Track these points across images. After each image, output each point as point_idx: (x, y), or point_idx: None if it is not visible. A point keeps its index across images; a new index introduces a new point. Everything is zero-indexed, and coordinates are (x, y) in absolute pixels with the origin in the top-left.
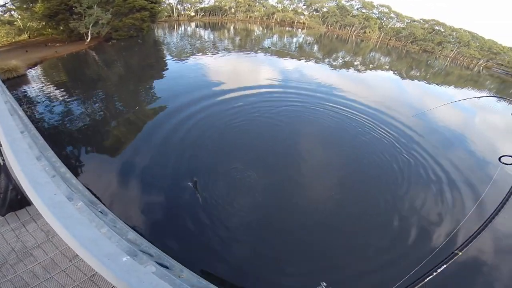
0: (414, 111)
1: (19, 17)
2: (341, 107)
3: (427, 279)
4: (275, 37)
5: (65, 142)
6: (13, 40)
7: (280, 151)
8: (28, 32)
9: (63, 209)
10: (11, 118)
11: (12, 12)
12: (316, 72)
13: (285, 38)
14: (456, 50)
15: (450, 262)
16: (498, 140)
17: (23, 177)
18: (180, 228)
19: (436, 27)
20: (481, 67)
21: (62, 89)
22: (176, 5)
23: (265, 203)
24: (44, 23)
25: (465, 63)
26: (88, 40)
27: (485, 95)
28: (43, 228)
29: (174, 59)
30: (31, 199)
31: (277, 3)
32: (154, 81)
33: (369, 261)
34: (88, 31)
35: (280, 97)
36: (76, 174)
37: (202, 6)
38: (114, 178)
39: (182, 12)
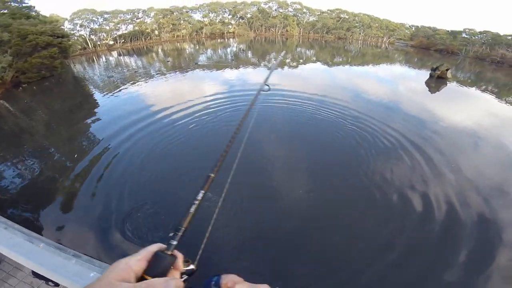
0: (350, 92)
1: None
2: (286, 102)
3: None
4: (209, 51)
5: (6, 207)
6: None
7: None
8: None
9: (23, 247)
10: None
11: None
12: (257, 76)
13: (219, 50)
14: (363, 32)
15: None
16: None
17: None
18: None
19: (341, 15)
20: (387, 44)
21: None
22: (89, 36)
23: (244, 223)
24: None
25: (373, 43)
26: None
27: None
28: (25, 280)
29: (103, 93)
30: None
31: (202, 17)
32: (87, 120)
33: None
34: None
35: (227, 104)
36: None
37: (120, 33)
38: (71, 227)
39: (99, 43)
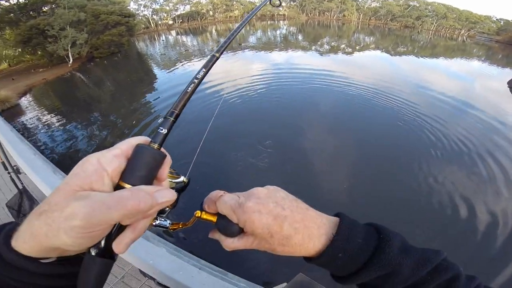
0: (412, 85)
1: None
2: (340, 87)
3: None
4: (259, 32)
5: (71, 166)
6: None
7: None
8: (7, 60)
9: None
10: (22, 144)
11: None
12: (307, 60)
13: (268, 32)
14: (436, 22)
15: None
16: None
17: (49, 190)
18: None
19: (411, 3)
20: (465, 37)
21: (58, 115)
22: (152, 16)
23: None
24: (20, 50)
25: (448, 35)
26: (70, 62)
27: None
28: None
29: (162, 69)
30: None
31: None
32: (147, 94)
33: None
34: (68, 53)
35: (279, 87)
36: None
37: (178, 13)
38: None
39: (160, 22)
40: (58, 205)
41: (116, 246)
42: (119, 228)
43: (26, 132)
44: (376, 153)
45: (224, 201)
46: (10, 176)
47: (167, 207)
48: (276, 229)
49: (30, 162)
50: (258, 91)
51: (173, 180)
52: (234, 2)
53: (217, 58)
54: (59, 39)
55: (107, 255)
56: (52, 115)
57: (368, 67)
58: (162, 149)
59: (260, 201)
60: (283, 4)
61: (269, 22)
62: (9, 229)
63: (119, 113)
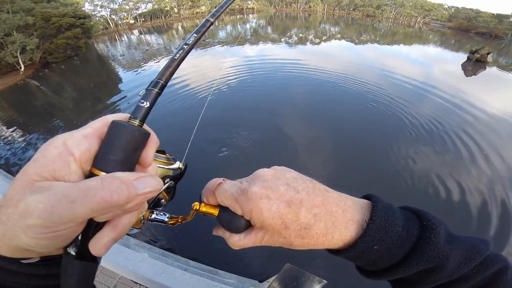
0: (377, 71)
1: None
2: (310, 76)
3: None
4: (229, 27)
5: None
6: None
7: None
8: None
9: None
10: None
11: None
12: (278, 51)
13: (238, 26)
14: (394, 11)
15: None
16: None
17: None
18: None
19: None
20: (421, 24)
21: (16, 127)
22: (110, 16)
23: None
24: None
25: (405, 22)
26: (22, 69)
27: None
28: None
29: (126, 70)
30: None
31: None
32: (112, 96)
33: None
34: (18, 60)
35: (249, 80)
36: None
37: (140, 12)
38: None
39: (120, 22)
40: (13, 199)
41: (93, 247)
42: (96, 226)
43: None
44: (350, 136)
45: (224, 190)
46: None
47: (163, 198)
48: (291, 217)
49: None
50: (231, 84)
51: (168, 167)
52: None
53: (212, 24)
54: (5, 46)
55: (87, 257)
56: (8, 127)
57: (335, 56)
58: (145, 126)
59: (268, 185)
60: None
61: (238, 16)
62: None
63: (83, 118)
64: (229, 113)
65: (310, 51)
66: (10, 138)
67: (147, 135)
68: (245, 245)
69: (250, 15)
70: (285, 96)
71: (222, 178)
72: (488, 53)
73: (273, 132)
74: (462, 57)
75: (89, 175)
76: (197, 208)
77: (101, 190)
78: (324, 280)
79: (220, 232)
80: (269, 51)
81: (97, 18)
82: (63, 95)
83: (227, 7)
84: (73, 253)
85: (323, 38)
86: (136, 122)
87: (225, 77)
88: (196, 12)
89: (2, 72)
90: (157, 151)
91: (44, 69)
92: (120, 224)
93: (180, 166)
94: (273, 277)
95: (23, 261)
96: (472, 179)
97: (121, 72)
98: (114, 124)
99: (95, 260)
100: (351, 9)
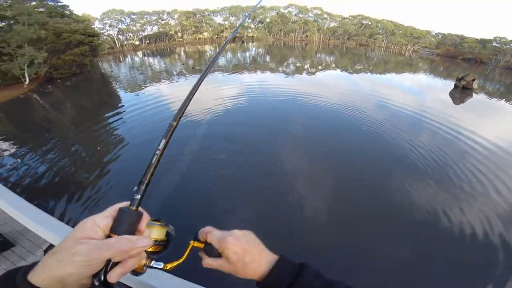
0: (372, 100)
1: None
2: (307, 105)
3: None
4: (229, 54)
5: (29, 197)
6: None
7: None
8: None
9: (62, 229)
10: None
11: None
12: (276, 80)
13: (238, 54)
14: (386, 39)
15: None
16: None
17: (18, 213)
18: None
19: (364, 21)
20: (411, 52)
21: (11, 141)
22: (117, 36)
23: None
24: None
25: (396, 50)
26: (27, 83)
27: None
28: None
29: (127, 91)
30: (31, 229)
31: (223, 20)
32: (111, 118)
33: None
34: (24, 73)
35: (248, 109)
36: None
37: (145, 34)
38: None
39: (125, 42)
40: (66, 248)
41: (109, 277)
42: (113, 264)
43: None
44: (345, 163)
45: (214, 234)
46: None
47: (159, 249)
48: (242, 258)
49: None
50: (229, 111)
51: (163, 230)
52: (204, 24)
53: (175, 126)
54: (15, 58)
55: (106, 283)
56: (4, 140)
57: (330, 84)
58: (140, 209)
59: (237, 238)
60: (252, 26)
61: (238, 44)
62: (28, 268)
63: (79, 136)
64: (223, 142)
65: (307, 80)
66: (2, 151)
67: (141, 215)
68: (213, 266)
69: (250, 43)
70: (281, 122)
71: (211, 227)
72: (473, 80)
73: (266, 160)
74: (450, 84)
75: (108, 236)
76: (193, 243)
77: (116, 244)
78: None
79: (202, 255)
80: (267, 79)
81: (104, 37)
82: (62, 112)
83: (185, 108)
84: (98, 279)
85: (319, 68)
86: (134, 208)
87: (221, 105)
88: (199, 38)
89: (6, 83)
90: (153, 220)
91: (48, 85)
92: (127, 264)
93: (169, 230)
94: None
95: None
96: (467, 208)
97: (121, 93)
98: (120, 210)
99: (111, 286)
100: (346, 38)
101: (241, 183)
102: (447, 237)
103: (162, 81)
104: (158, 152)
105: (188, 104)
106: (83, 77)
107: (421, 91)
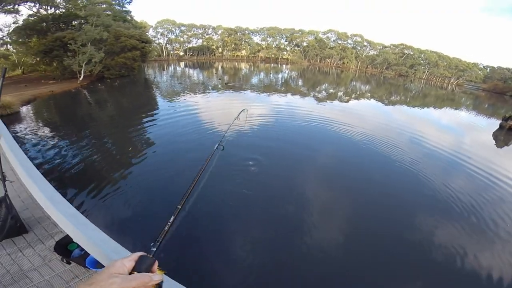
0: (406, 136)
1: (14, 51)
2: (337, 133)
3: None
4: (262, 74)
5: (56, 183)
6: (7, 75)
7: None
8: (22, 67)
9: (77, 218)
10: (21, 151)
11: (8, 46)
12: (306, 105)
13: (271, 75)
14: (427, 71)
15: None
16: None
17: (43, 198)
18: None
19: (406, 51)
20: (454, 85)
21: (54, 130)
22: (166, 45)
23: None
24: (38, 59)
25: (438, 83)
26: (81, 79)
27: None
28: (41, 253)
29: (165, 99)
30: (50, 214)
31: (261, 40)
32: (145, 123)
33: None
34: (81, 69)
35: (274, 130)
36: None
37: (190, 45)
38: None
39: (172, 52)
40: (104, 279)
41: None
42: None
43: (19, 141)
44: (373, 204)
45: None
46: None
47: (159, 285)
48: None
49: (19, 171)
50: (254, 131)
51: (162, 273)
52: (243, 42)
53: (180, 209)
54: (77, 55)
55: None
56: (48, 127)
57: (363, 114)
58: (153, 257)
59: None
60: (288, 48)
61: (272, 65)
62: None
63: (111, 136)
64: (244, 158)
65: (339, 107)
66: (44, 138)
67: (154, 261)
68: None
69: (284, 65)
70: (306, 148)
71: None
72: None
73: (285, 186)
74: (495, 123)
75: (131, 273)
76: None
77: (140, 277)
78: None
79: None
80: (297, 103)
81: (155, 45)
82: (104, 109)
83: (189, 194)
84: None
85: (353, 96)
86: (151, 256)
87: (248, 123)
88: (237, 55)
89: (64, 77)
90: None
91: (98, 83)
92: None
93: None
94: None
95: None
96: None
97: (159, 99)
98: (141, 256)
99: None
100: (384, 67)
101: (255, 204)
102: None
103: (198, 93)
104: (169, 222)
105: (191, 192)
106: (129, 79)
107: (462, 130)
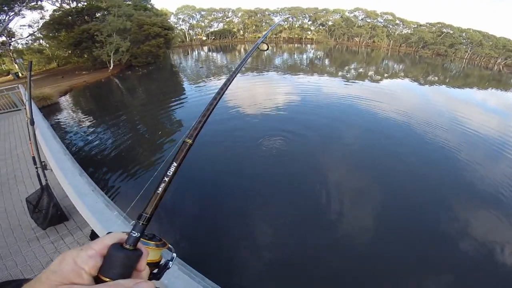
0: (445, 119)
1: (47, 45)
2: (368, 114)
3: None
4: (285, 55)
5: (95, 166)
6: (44, 69)
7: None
8: (57, 60)
9: (103, 214)
10: (55, 142)
11: (41, 41)
12: (333, 85)
13: (295, 55)
14: (470, 50)
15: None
16: None
17: (71, 190)
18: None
19: (444, 30)
20: (501, 66)
21: (90, 117)
22: (188, 31)
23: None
24: (70, 52)
25: (482, 64)
26: (111, 68)
27: None
28: (79, 240)
29: (191, 83)
30: (77, 207)
31: (283, 21)
32: (174, 107)
33: None
34: (110, 59)
35: (300, 111)
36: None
37: (212, 30)
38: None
39: (194, 37)
40: None
41: None
42: None
43: (58, 130)
44: (404, 193)
45: None
46: (37, 171)
47: (154, 280)
48: None
49: (58, 161)
50: (279, 111)
51: (161, 251)
52: (264, 23)
53: (191, 145)
54: (105, 45)
55: None
56: (85, 115)
57: (396, 96)
58: (139, 245)
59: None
60: (312, 28)
61: (296, 45)
62: None
63: (145, 119)
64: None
65: (368, 87)
66: (81, 125)
67: (140, 254)
68: None
69: (308, 45)
70: (334, 135)
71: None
72: None
73: (310, 167)
74: None
75: (97, 279)
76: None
77: None
78: None
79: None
80: (324, 83)
81: (177, 31)
82: (134, 96)
83: (201, 128)
84: None
85: (385, 76)
86: (131, 247)
87: (273, 103)
88: (258, 36)
89: (95, 67)
90: (149, 239)
91: (127, 71)
92: None
93: (172, 254)
94: None
95: None
96: None
97: (186, 84)
98: (113, 248)
99: None
100: (420, 46)
101: (277, 181)
102: None
103: (222, 76)
104: (166, 179)
105: (204, 125)
106: (156, 66)
107: (508, 113)
